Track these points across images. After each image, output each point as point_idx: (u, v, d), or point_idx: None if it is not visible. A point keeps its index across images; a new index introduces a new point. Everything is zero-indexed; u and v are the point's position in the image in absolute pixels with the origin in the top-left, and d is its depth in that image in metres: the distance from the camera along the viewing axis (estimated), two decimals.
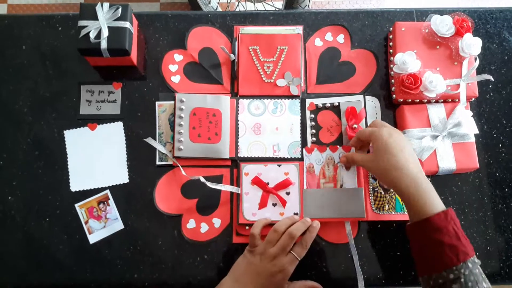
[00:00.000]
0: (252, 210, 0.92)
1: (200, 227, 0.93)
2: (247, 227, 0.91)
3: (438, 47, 0.97)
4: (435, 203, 0.75)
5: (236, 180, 0.95)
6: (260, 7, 1.98)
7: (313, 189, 0.92)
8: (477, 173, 0.96)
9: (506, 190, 0.96)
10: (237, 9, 2.07)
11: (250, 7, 2.02)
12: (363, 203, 0.90)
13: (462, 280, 0.70)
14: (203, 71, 1.00)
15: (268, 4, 1.91)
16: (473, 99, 0.97)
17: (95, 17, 0.92)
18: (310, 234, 0.85)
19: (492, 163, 0.97)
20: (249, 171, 0.94)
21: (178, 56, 1.01)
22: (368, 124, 0.93)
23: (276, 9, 1.94)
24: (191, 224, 0.93)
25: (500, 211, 0.95)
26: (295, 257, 0.82)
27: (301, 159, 0.95)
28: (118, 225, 0.93)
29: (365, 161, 0.84)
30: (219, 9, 2.10)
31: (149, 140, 0.95)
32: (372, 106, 0.98)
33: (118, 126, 0.97)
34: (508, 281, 0.92)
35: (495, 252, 0.93)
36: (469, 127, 0.93)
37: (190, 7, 2.05)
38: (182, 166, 0.94)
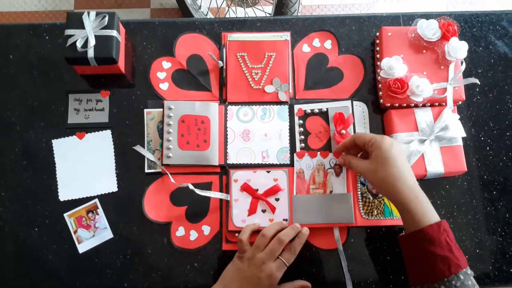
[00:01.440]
0: (241, 216, 0.92)
1: (190, 235, 0.92)
2: (236, 234, 0.91)
3: (424, 51, 0.97)
4: (430, 215, 0.76)
5: (225, 187, 0.94)
6: (250, 12, 1.98)
7: (302, 195, 0.92)
8: (465, 176, 0.97)
9: (495, 192, 0.96)
10: (228, 15, 2.08)
11: (241, 12, 2.02)
12: (352, 209, 0.90)
13: None
14: (191, 78, 1.00)
15: (258, 9, 1.92)
16: (460, 102, 0.98)
17: (82, 26, 0.92)
18: (299, 240, 0.85)
19: (480, 166, 0.98)
20: (238, 177, 0.94)
21: (166, 64, 1.01)
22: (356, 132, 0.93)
23: (266, 14, 1.95)
24: (180, 231, 0.93)
25: (489, 214, 0.95)
26: (283, 263, 0.82)
27: (290, 165, 0.95)
28: (107, 234, 0.93)
29: (363, 168, 0.84)
30: (210, 14, 2.11)
31: (138, 148, 0.95)
32: (360, 111, 0.98)
33: (107, 135, 0.97)
34: (498, 283, 0.93)
35: (485, 254, 0.94)
36: (457, 131, 0.93)
37: (181, 13, 2.05)
38: (171, 174, 0.94)
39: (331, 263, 0.91)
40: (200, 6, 2.04)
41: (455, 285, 0.71)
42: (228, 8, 2.03)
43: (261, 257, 0.81)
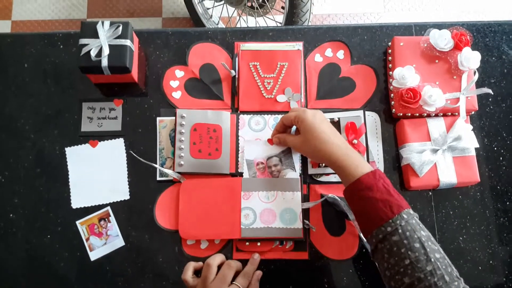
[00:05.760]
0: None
1: (200, 243, 0.92)
2: (247, 243, 0.91)
3: (437, 61, 0.97)
4: (364, 166, 0.79)
5: None
6: (261, 21, 1.99)
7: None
8: (478, 186, 0.96)
9: (508, 203, 0.95)
10: (239, 24, 2.09)
11: (251, 21, 2.03)
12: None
13: (400, 231, 0.71)
14: (204, 87, 1.01)
15: (269, 18, 1.93)
16: (473, 112, 0.97)
17: (96, 35, 0.93)
18: (251, 265, 0.86)
19: (493, 177, 0.97)
20: None
21: (179, 72, 1.02)
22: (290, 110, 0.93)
23: (277, 23, 1.95)
24: (191, 240, 0.93)
25: (502, 225, 0.94)
26: (238, 286, 0.80)
27: (300, 174, 0.95)
28: (119, 242, 0.93)
29: (295, 142, 0.89)
30: (221, 23, 2.12)
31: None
32: (372, 121, 0.98)
33: (119, 143, 0.98)
34: None
35: (498, 266, 0.92)
36: (470, 141, 0.93)
37: (192, 22, 2.07)
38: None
39: (342, 274, 0.91)
40: (212, 15, 2.05)
41: (400, 225, 0.72)
42: (239, 17, 2.05)
43: (214, 284, 0.79)
